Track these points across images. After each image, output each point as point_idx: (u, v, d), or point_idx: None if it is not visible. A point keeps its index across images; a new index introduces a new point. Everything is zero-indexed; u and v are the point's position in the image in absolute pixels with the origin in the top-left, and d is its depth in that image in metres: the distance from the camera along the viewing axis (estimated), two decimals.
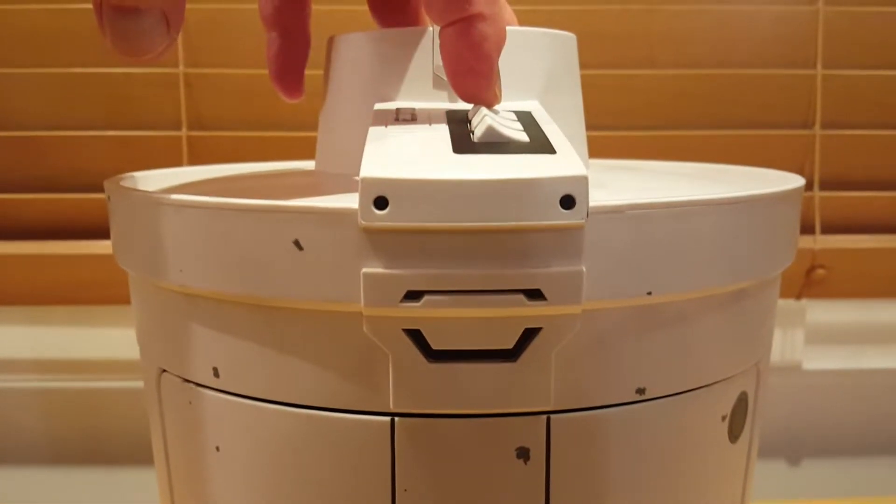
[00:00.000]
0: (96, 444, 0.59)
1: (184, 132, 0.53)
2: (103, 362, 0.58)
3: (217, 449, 0.22)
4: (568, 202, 0.18)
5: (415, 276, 0.19)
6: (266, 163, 0.37)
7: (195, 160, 0.53)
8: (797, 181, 0.24)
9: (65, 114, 0.54)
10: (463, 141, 0.20)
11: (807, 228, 0.55)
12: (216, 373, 0.22)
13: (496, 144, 0.20)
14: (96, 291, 0.54)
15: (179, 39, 0.53)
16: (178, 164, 0.53)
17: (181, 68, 0.53)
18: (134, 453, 0.59)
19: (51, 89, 0.54)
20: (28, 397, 0.58)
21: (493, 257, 0.19)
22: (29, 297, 0.54)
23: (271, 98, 0.54)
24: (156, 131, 0.54)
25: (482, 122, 0.21)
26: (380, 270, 0.19)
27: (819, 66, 0.55)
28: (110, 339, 0.58)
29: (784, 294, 0.56)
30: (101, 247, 0.53)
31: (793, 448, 0.62)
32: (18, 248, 0.53)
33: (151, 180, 0.30)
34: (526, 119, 0.22)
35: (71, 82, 0.53)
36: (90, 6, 0.53)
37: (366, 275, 0.19)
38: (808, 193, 0.55)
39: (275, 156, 0.53)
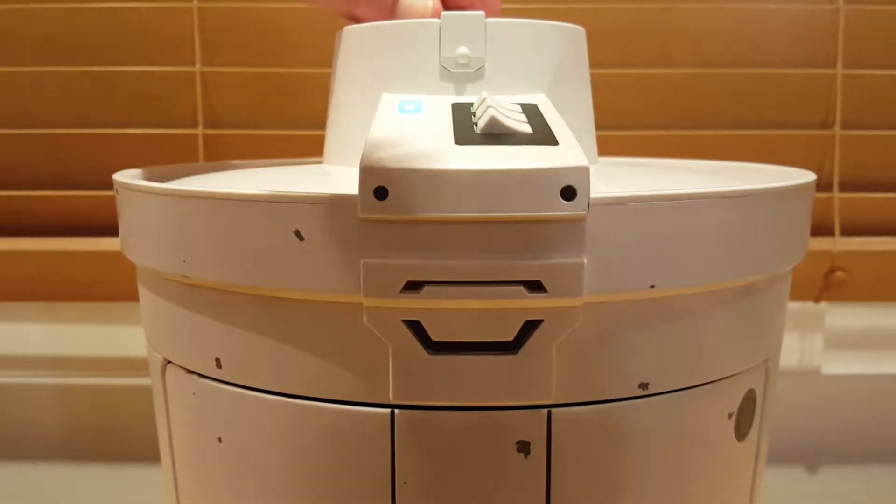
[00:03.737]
0: (112, 441, 0.59)
1: (200, 130, 0.54)
2: (120, 359, 0.59)
3: (219, 440, 0.22)
4: (569, 193, 0.18)
5: (415, 266, 0.19)
6: (277, 159, 0.38)
7: (211, 158, 0.54)
8: (807, 176, 0.24)
9: (82, 112, 0.54)
10: (465, 132, 0.20)
11: (826, 230, 0.54)
12: (218, 363, 0.22)
13: (499, 135, 0.20)
14: (113, 288, 0.54)
15: (196, 38, 0.53)
16: (193, 161, 0.53)
17: (197, 66, 0.53)
18: (149, 450, 0.60)
19: (68, 87, 0.54)
20: (44, 394, 0.59)
21: (493, 248, 0.18)
22: (46, 293, 0.54)
23: (287, 96, 0.54)
24: (172, 129, 0.54)
25: (486, 113, 0.21)
26: (380, 261, 0.19)
27: (839, 65, 0.54)
28: (127, 336, 0.58)
29: (803, 297, 0.55)
30: (119, 244, 0.53)
31: (811, 454, 0.61)
32: (36, 244, 0.54)
33: (161, 174, 0.30)
34: (531, 111, 0.22)
35: (88, 81, 0.54)
36: (108, 5, 0.53)
37: (366, 265, 0.19)
38: (828, 194, 0.54)
39: (290, 153, 0.53)
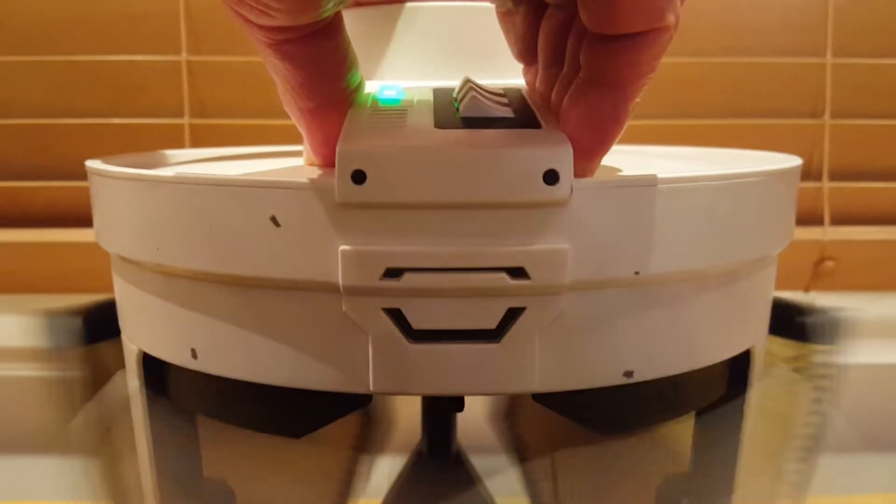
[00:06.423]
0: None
1: (186, 119, 0.53)
2: None
3: None
4: (551, 177, 0.18)
5: (394, 252, 0.18)
6: (261, 146, 0.37)
7: (197, 147, 0.53)
8: (793, 161, 0.24)
9: (68, 102, 0.54)
10: (446, 116, 0.20)
11: (815, 219, 0.54)
12: (194, 354, 0.21)
13: (480, 119, 0.20)
14: (100, 280, 0.54)
15: (182, 27, 0.53)
16: None
17: (184, 56, 0.53)
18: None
19: (54, 77, 0.53)
20: (26, 387, 0.58)
21: (474, 233, 0.18)
22: (30, 285, 0.54)
23: (273, 85, 0.54)
24: (158, 119, 0.54)
25: (467, 97, 0.20)
26: (358, 247, 0.18)
27: (829, 54, 0.54)
28: None
29: (792, 286, 0.55)
30: None
31: None
32: (22, 235, 0.53)
33: (137, 161, 0.30)
34: (514, 95, 0.22)
35: (74, 70, 0.53)
36: None
37: (344, 252, 0.18)
38: (817, 184, 0.54)
39: (277, 142, 0.53)
